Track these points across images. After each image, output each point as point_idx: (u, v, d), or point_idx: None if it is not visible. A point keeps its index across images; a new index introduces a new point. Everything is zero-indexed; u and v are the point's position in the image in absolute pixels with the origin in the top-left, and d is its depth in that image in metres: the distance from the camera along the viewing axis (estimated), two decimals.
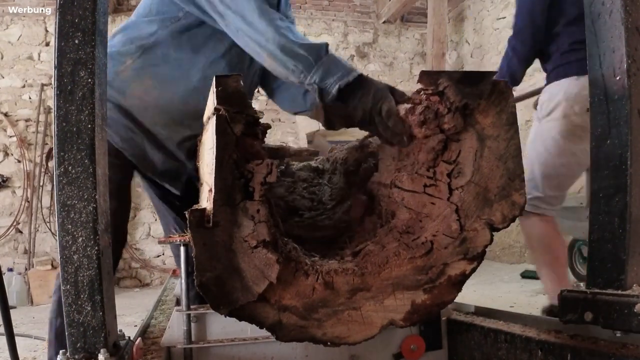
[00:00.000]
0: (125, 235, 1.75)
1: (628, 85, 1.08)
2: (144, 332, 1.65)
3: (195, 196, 1.68)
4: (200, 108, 1.41)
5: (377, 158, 1.24)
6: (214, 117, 0.94)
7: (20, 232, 5.90)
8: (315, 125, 6.25)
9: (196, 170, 1.57)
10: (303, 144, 6.49)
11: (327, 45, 1.34)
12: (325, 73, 1.28)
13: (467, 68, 6.80)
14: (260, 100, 5.69)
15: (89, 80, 0.92)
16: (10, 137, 5.96)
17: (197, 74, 1.59)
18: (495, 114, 1.05)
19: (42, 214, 5.86)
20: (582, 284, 1.18)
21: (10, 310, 1.18)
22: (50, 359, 1.54)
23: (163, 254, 6.29)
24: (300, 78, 1.32)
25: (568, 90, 2.14)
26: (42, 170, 5.90)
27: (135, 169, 1.71)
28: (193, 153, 1.67)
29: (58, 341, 1.52)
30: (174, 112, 1.60)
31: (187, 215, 0.92)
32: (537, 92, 2.61)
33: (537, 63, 2.37)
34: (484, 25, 6.55)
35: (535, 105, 2.40)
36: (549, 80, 2.28)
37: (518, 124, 1.06)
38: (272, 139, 6.28)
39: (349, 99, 1.25)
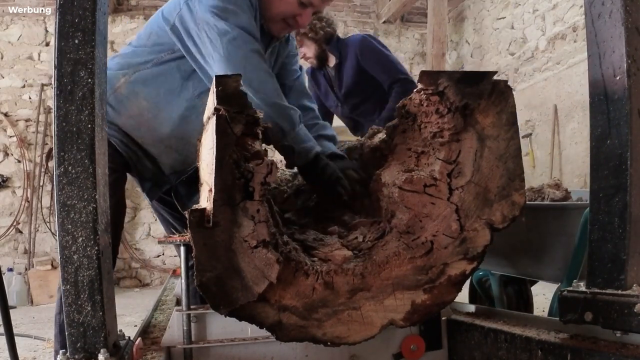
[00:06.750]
0: (120, 235, 1.82)
1: (628, 85, 1.08)
2: (144, 332, 1.64)
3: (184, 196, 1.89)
4: (188, 134, 1.57)
5: (376, 156, 1.24)
6: (214, 117, 0.94)
7: (20, 232, 5.90)
8: None
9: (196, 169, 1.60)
10: None
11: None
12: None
13: (467, 68, 6.80)
14: None
15: (89, 80, 0.92)
16: (10, 137, 5.95)
17: (185, 103, 1.66)
18: (495, 114, 1.05)
19: (42, 214, 5.86)
20: (581, 284, 1.18)
21: (10, 310, 1.18)
22: (56, 351, 1.58)
23: (163, 254, 6.28)
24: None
25: None
26: (42, 170, 5.90)
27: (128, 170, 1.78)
28: (179, 174, 1.83)
29: (62, 336, 1.55)
30: (163, 135, 1.70)
31: (187, 215, 0.92)
32: None
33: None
34: (484, 25, 6.55)
35: None
36: None
37: (518, 124, 1.06)
38: None
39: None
